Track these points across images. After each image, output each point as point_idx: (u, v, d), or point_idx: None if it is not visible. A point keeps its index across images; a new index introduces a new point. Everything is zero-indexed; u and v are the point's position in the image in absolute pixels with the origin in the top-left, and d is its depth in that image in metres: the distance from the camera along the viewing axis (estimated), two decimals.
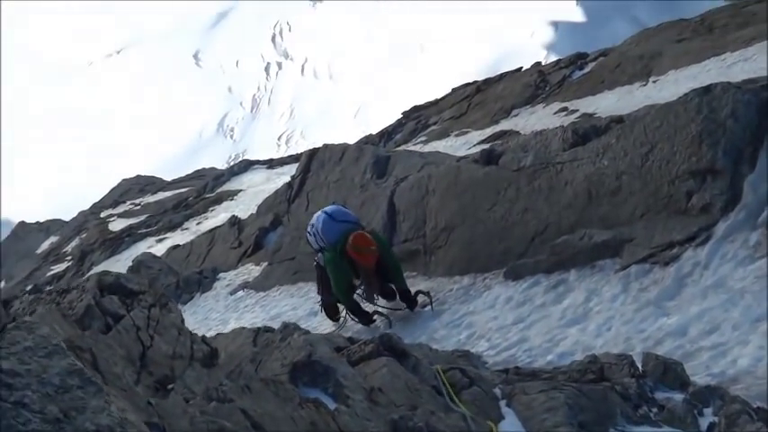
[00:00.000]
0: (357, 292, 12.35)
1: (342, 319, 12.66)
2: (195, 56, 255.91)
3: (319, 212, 12.49)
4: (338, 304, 12.85)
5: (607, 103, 25.23)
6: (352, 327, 12.27)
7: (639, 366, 7.13)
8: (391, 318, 11.93)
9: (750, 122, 9.35)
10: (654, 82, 25.98)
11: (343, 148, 20.36)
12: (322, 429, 4.97)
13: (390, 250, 12.41)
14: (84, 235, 46.66)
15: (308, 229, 12.59)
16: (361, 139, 43.66)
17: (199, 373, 5.30)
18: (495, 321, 10.38)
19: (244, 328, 11.06)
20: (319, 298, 13.25)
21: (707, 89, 9.87)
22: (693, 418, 6.14)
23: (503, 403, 6.50)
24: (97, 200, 58.32)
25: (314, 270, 13.24)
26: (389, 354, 6.86)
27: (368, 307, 12.26)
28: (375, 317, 12.06)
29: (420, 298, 11.98)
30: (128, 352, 5.17)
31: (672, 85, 22.26)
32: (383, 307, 12.25)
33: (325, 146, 21.39)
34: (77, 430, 3.29)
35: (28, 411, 3.33)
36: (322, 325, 12.99)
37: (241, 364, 6.15)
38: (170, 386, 5.05)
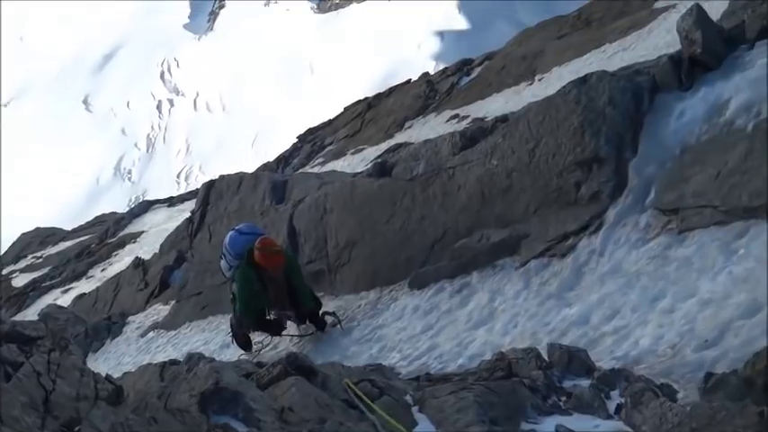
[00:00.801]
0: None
1: (259, 345, 12.51)
2: (85, 101, 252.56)
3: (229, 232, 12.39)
4: (250, 335, 12.78)
5: (496, 106, 25.51)
6: (265, 354, 12.19)
7: (546, 358, 7.23)
8: (303, 337, 11.89)
9: (628, 108, 9.58)
10: (539, 80, 26.39)
11: (240, 177, 20.28)
12: None
13: (299, 270, 12.26)
14: None
15: (220, 254, 12.42)
16: (258, 167, 43.51)
17: (104, 411, 5.21)
18: (404, 332, 10.43)
19: (150, 363, 10.90)
20: (230, 330, 13.15)
21: (583, 79, 10.09)
22: (601, 401, 6.24)
23: (415, 409, 6.52)
24: None
25: (222, 302, 13.14)
26: (297, 373, 6.84)
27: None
28: (286, 325, 11.99)
29: (328, 318, 11.95)
30: (30, 398, 5.07)
31: (556, 81, 22.58)
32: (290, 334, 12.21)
33: (222, 177, 21.29)
34: None
35: None
36: (235, 357, 12.87)
37: (146, 399, 6.07)
38: (76, 428, 4.97)
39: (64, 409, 5.22)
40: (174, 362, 10.52)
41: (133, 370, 14.25)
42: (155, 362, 13.63)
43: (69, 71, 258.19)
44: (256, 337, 12.85)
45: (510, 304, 9.47)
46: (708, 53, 9.27)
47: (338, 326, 11.73)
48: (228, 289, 12.77)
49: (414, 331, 10.27)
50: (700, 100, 9.17)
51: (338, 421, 5.87)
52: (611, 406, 6.20)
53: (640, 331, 7.42)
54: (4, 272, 49.63)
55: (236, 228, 12.32)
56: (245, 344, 12.83)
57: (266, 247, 11.24)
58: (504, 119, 12.43)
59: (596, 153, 9.57)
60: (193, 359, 9.54)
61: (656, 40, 20.98)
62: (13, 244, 57.59)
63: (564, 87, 10.31)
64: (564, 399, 6.51)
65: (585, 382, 6.67)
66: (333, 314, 11.91)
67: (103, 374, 6.02)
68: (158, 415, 5.18)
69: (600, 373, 6.75)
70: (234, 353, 13.06)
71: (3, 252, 57.08)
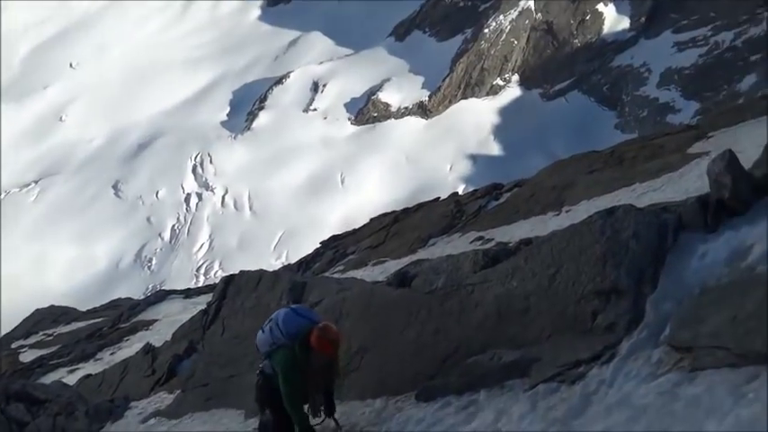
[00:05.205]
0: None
1: None
2: (115, 186, 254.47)
3: (279, 310, 11.76)
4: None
5: (521, 232, 25.69)
6: None
7: None
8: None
9: (651, 243, 9.66)
10: (567, 212, 26.63)
11: (260, 274, 20.38)
12: None
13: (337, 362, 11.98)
14: None
15: (263, 327, 11.62)
16: (279, 269, 43.70)
17: None
18: None
19: None
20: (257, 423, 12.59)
21: (610, 211, 10.21)
22: None
23: None
24: (9, 330, 57.01)
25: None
26: None
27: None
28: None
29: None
30: None
31: (584, 214, 22.64)
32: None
33: (242, 272, 21.39)
34: None
35: None
36: None
37: None
38: None
39: None
40: None
41: None
42: None
43: (103, 156, 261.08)
44: None
45: (514, 426, 9.39)
46: (736, 198, 9.39)
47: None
48: (255, 368, 12.41)
49: None
50: (723, 243, 9.24)
51: None
52: None
53: None
54: (13, 345, 49.67)
55: (292, 307, 11.77)
56: None
57: (329, 334, 10.92)
58: (528, 242, 12.51)
59: (616, 285, 9.64)
60: None
61: (686, 184, 21.22)
62: (26, 319, 57.74)
63: (590, 217, 10.44)
64: None
65: None
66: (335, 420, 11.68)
67: None
68: None
69: None
70: None
71: (15, 326, 57.18)
